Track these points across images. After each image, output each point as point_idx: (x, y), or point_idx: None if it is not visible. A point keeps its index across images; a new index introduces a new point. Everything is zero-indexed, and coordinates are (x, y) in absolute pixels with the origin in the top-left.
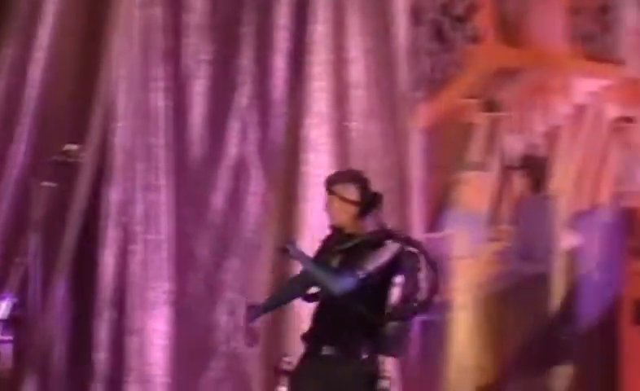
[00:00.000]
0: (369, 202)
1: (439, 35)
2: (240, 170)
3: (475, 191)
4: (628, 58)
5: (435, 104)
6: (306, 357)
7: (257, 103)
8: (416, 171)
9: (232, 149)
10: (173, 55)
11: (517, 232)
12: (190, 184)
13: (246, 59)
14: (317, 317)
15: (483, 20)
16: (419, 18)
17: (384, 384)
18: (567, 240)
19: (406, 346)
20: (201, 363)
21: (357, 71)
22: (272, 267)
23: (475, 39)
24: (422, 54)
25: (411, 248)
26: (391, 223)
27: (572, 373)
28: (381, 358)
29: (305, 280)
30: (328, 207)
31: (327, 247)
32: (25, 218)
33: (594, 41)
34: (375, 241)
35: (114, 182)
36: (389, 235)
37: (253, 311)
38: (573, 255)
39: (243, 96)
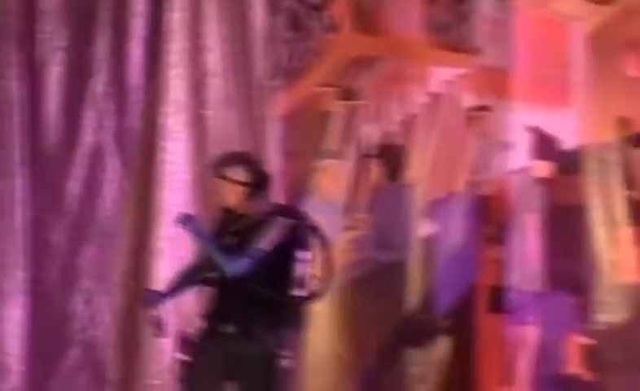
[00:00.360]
0: (259, 183)
1: (296, 23)
2: (96, 158)
3: (332, 179)
4: (483, 47)
5: (292, 92)
6: (206, 334)
7: (113, 90)
8: (273, 159)
9: (88, 137)
10: (28, 42)
11: (373, 220)
12: (47, 171)
13: (101, 46)
14: (217, 295)
15: (339, 9)
16: (276, 6)
17: (284, 362)
18: (424, 228)
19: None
20: (57, 352)
21: (214, 59)
22: (128, 254)
23: (331, 28)
24: (279, 42)
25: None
26: None
27: (429, 360)
28: (283, 335)
29: (203, 265)
30: (217, 190)
31: (219, 230)
32: None
33: (450, 30)
34: (267, 220)
35: None
36: (281, 212)
37: (152, 297)
38: (430, 243)
39: (99, 84)
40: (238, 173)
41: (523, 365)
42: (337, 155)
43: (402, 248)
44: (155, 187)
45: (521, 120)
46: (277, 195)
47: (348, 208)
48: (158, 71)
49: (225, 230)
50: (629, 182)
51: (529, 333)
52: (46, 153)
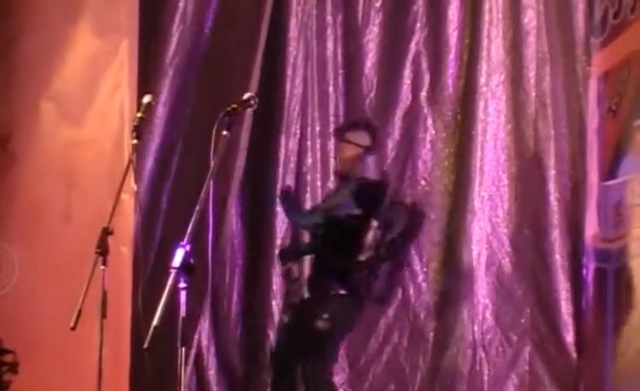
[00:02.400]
0: (371, 147)
1: None
2: (413, 117)
3: None
4: None
5: (612, 49)
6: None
7: (431, 49)
8: (592, 118)
9: (405, 96)
10: (347, 3)
11: None
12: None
13: (420, 6)
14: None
15: None
16: None
17: (319, 323)
18: None
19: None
20: (375, 310)
21: (533, 16)
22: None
23: None
24: None
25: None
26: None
27: None
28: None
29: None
30: (338, 154)
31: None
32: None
33: None
34: (357, 186)
35: (289, 131)
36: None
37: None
38: None
39: (417, 43)
40: (360, 137)
41: None
42: None
43: None
44: (473, 147)
45: None
46: (596, 153)
47: None
48: (476, 30)
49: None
50: None
51: None
52: (364, 114)
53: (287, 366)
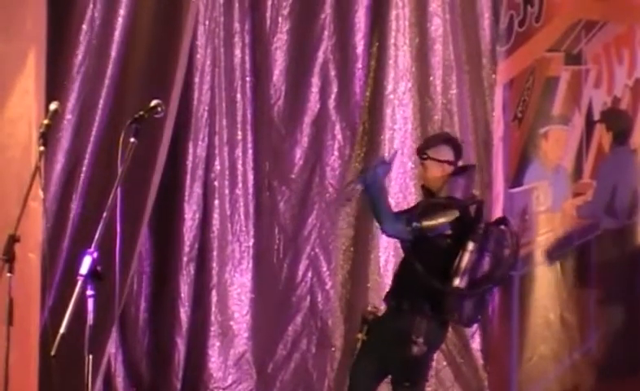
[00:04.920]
0: (459, 167)
1: None
2: (321, 125)
3: (558, 145)
4: None
5: (517, 57)
6: (387, 310)
7: (338, 57)
8: (498, 125)
9: (313, 104)
10: (254, 11)
11: (600, 186)
12: (273, 139)
13: (327, 14)
14: (397, 274)
15: None
16: None
17: (414, 349)
18: None
19: (475, 315)
20: (283, 317)
21: (439, 24)
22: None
23: None
24: (504, 6)
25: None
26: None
27: None
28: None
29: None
30: (420, 173)
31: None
32: (109, 174)
33: None
34: (449, 204)
35: (196, 138)
36: (467, 204)
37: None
38: None
39: (324, 51)
40: (442, 152)
41: None
42: (563, 120)
43: (629, 215)
44: (380, 154)
45: None
46: (502, 160)
47: (575, 175)
48: (383, 37)
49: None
50: None
51: None
52: (272, 121)
53: None
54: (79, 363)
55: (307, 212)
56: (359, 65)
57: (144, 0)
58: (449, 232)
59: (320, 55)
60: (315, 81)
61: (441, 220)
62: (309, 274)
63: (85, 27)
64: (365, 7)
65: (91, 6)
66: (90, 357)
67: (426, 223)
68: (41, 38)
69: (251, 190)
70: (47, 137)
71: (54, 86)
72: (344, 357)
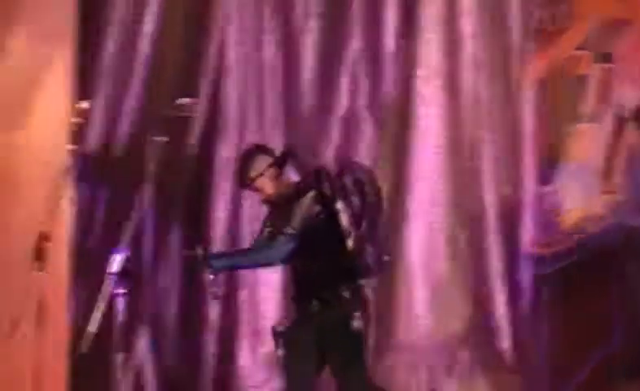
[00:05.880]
0: (278, 162)
1: None
2: (351, 122)
3: (588, 143)
4: None
5: (547, 56)
6: (296, 319)
7: (368, 55)
8: (527, 123)
9: (343, 101)
10: (284, 8)
11: (629, 185)
12: (302, 136)
13: (357, 11)
14: (293, 279)
15: None
16: None
17: (355, 323)
18: None
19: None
20: None
21: (469, 22)
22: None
23: None
24: (534, 5)
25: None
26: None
27: None
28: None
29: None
30: (257, 194)
31: (262, 225)
32: (139, 172)
33: None
34: (297, 193)
35: (226, 136)
36: (308, 178)
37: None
38: None
39: (354, 49)
40: (258, 164)
41: None
42: (593, 118)
43: None
44: (409, 152)
45: None
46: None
47: (604, 173)
48: (413, 35)
49: (266, 223)
50: None
51: None
52: (301, 120)
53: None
54: (108, 362)
55: None
56: (388, 63)
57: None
58: (317, 209)
59: (349, 54)
60: (344, 80)
61: (304, 207)
62: None
63: (114, 26)
64: (395, 5)
65: (120, 5)
66: (120, 355)
67: (295, 220)
68: (71, 37)
69: None
70: (77, 135)
71: (84, 86)
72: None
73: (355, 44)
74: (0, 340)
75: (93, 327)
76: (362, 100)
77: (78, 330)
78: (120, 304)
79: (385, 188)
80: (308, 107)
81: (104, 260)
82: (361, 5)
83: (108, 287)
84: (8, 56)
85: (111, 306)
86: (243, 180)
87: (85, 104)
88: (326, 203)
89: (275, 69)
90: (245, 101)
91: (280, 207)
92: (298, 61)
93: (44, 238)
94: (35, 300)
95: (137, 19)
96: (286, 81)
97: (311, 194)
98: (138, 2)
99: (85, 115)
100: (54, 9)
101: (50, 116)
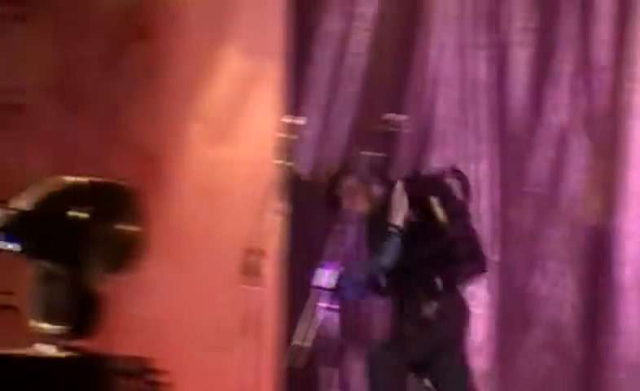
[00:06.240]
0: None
1: None
2: (562, 138)
3: None
4: None
5: None
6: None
7: (580, 69)
8: None
9: (554, 117)
10: (495, 23)
11: None
12: (513, 152)
13: (569, 26)
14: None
15: None
16: None
17: (427, 311)
18: None
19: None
20: (522, 331)
21: None
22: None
23: None
24: None
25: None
26: None
27: None
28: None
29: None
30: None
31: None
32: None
33: None
34: (385, 198)
35: (440, 152)
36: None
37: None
38: None
39: (566, 63)
40: (352, 180)
41: None
42: None
43: None
44: (622, 167)
45: None
46: None
47: None
48: (625, 48)
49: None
50: None
51: None
52: (512, 134)
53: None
54: (317, 377)
55: (550, 228)
56: (603, 77)
57: (384, 13)
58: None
59: (563, 67)
60: (558, 94)
61: (396, 199)
62: (550, 290)
63: (323, 40)
64: (609, 17)
65: (332, 22)
66: (327, 371)
67: (392, 216)
68: (280, 53)
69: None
70: (286, 151)
71: (293, 101)
72: None
73: (568, 57)
74: (206, 353)
75: (299, 340)
76: (574, 115)
77: (288, 344)
78: (330, 319)
79: (596, 205)
80: (519, 122)
81: (313, 275)
82: (573, 19)
83: (315, 301)
84: (220, 72)
85: (320, 321)
86: (337, 200)
87: (299, 120)
88: (418, 200)
89: (487, 85)
90: (455, 117)
91: (375, 220)
92: (509, 76)
93: (258, 253)
94: (242, 314)
95: (346, 32)
96: (497, 97)
97: (398, 185)
98: (349, 17)
99: (295, 130)
100: (265, 24)
101: (258, 130)
